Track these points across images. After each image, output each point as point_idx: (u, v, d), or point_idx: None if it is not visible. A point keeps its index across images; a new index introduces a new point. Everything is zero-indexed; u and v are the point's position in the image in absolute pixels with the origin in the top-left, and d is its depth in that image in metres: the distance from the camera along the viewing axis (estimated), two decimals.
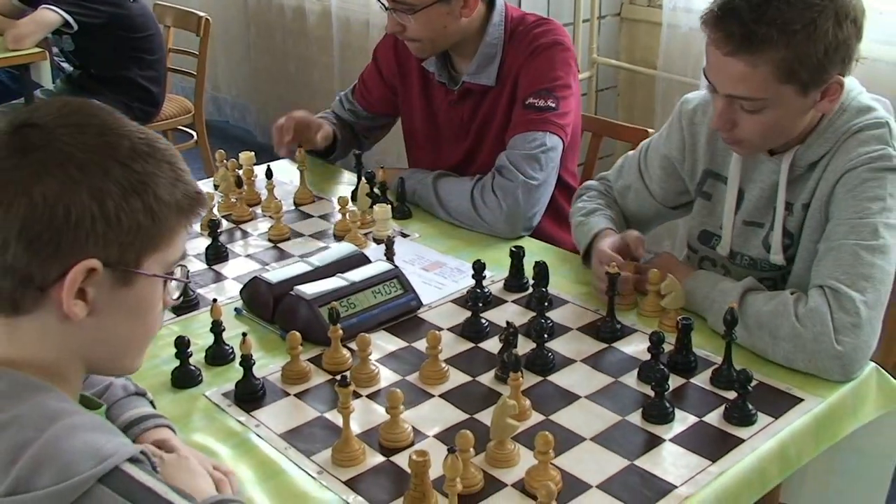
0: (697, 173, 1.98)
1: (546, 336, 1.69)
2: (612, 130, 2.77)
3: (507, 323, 1.62)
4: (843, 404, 1.59)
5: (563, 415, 1.54)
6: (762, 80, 1.64)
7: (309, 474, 1.42)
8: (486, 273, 1.89)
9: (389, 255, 2.01)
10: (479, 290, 1.86)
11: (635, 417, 1.53)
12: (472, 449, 1.33)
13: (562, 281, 1.95)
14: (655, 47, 3.82)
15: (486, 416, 1.49)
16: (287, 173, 2.61)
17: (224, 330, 1.72)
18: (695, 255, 2.01)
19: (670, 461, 1.43)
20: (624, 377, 1.64)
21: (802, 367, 1.61)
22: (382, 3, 2.34)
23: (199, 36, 4.38)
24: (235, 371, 1.65)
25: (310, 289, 1.80)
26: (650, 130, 2.42)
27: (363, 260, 1.95)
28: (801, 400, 1.56)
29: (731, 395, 1.54)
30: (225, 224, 2.29)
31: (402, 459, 1.43)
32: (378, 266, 1.91)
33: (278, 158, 2.64)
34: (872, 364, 1.66)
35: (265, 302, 1.84)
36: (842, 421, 1.59)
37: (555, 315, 1.83)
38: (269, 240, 2.22)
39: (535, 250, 2.09)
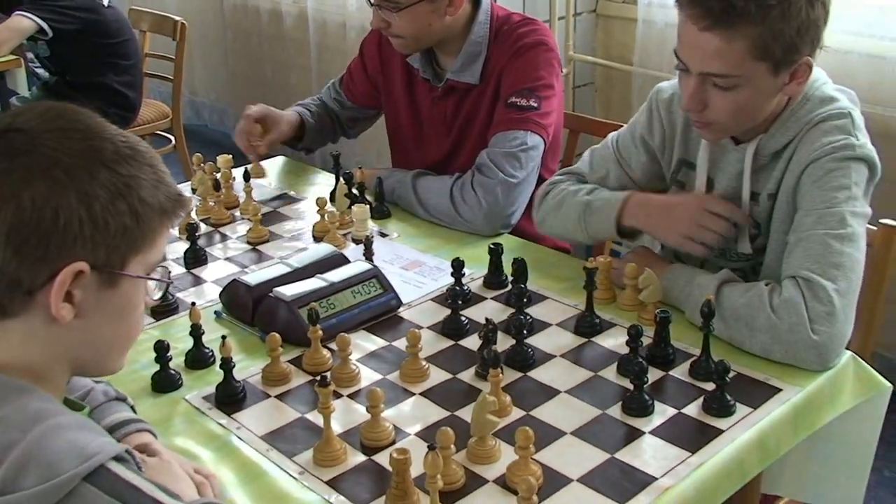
0: (673, 161, 1.99)
1: (525, 332, 1.70)
2: (590, 127, 2.78)
3: (487, 320, 1.63)
4: (820, 393, 1.60)
5: (543, 410, 1.55)
6: (738, 55, 1.66)
7: (291, 475, 1.43)
8: (466, 271, 1.90)
9: (368, 255, 2.01)
10: (458, 288, 1.87)
11: (615, 411, 1.54)
12: (452, 446, 1.33)
13: (541, 277, 1.96)
14: (631, 43, 3.83)
15: (466, 413, 1.50)
16: (264, 175, 2.62)
17: (203, 333, 1.72)
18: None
19: (650, 453, 1.43)
20: (603, 371, 1.65)
21: (780, 358, 1.62)
22: (368, 0, 2.33)
23: (175, 40, 4.37)
24: (216, 374, 1.65)
25: (289, 290, 1.80)
26: None
27: (342, 260, 1.95)
28: (779, 390, 1.57)
29: (710, 386, 1.55)
30: (203, 227, 2.29)
31: (383, 458, 1.43)
32: (357, 266, 1.91)
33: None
34: (849, 353, 1.67)
35: (244, 304, 1.84)
36: (820, 410, 1.60)
37: (534, 311, 1.84)
38: (248, 242, 2.22)
39: (513, 247, 2.10)
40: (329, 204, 2.29)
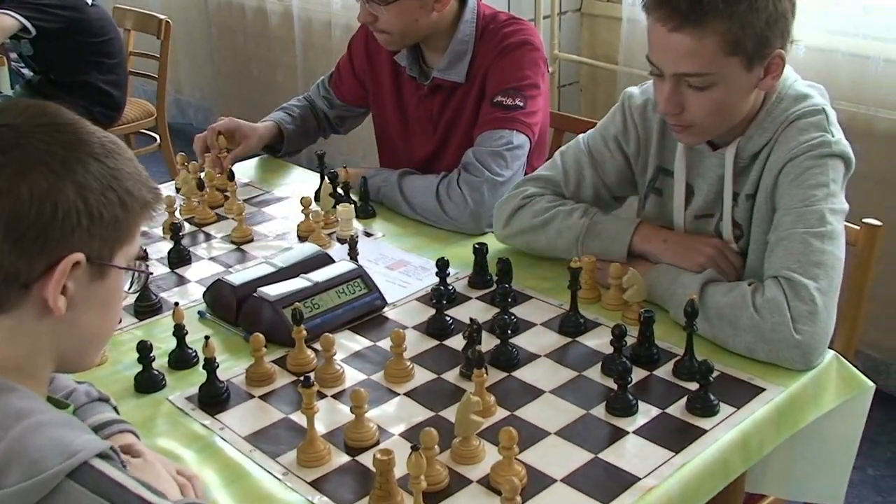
0: (649, 170, 1.99)
1: (510, 332, 1.70)
2: (575, 126, 2.77)
3: (471, 320, 1.63)
4: (804, 393, 1.61)
5: (527, 410, 1.55)
6: (709, 52, 1.66)
7: (274, 476, 1.42)
8: (451, 270, 1.90)
9: (353, 254, 2.01)
10: (443, 288, 1.87)
11: (599, 411, 1.54)
12: (436, 446, 1.34)
13: (525, 277, 1.96)
14: (616, 42, 3.83)
15: (451, 413, 1.49)
16: (249, 174, 2.61)
17: (187, 333, 1.71)
18: None
19: (634, 453, 1.44)
20: (588, 371, 1.65)
21: (763, 358, 1.63)
22: None
23: (159, 39, 4.36)
24: (199, 374, 1.64)
25: (273, 290, 1.80)
26: None
27: (327, 260, 1.94)
28: (763, 389, 1.58)
29: (694, 386, 1.55)
30: (187, 227, 2.28)
31: (367, 459, 1.42)
32: (342, 266, 1.91)
33: (241, 160, 2.63)
34: (833, 352, 1.67)
35: (228, 304, 1.84)
36: (803, 409, 1.61)
37: (519, 311, 1.84)
38: (233, 242, 2.21)
39: (498, 247, 2.10)
40: (314, 203, 2.28)
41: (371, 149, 2.72)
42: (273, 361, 1.69)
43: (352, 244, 2.02)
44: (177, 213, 2.30)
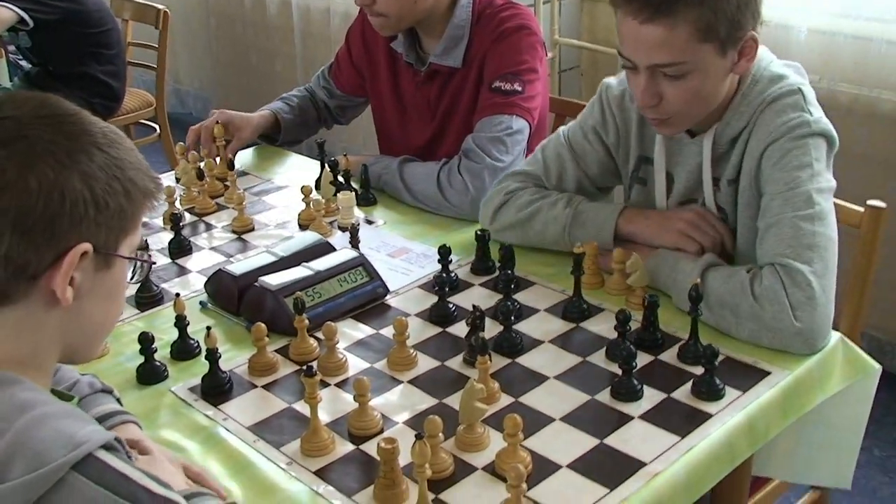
0: (632, 160, 1.98)
1: (513, 318, 1.69)
2: (576, 111, 2.74)
3: (474, 306, 1.62)
4: (809, 376, 1.60)
5: (531, 396, 1.54)
6: (682, 41, 1.65)
7: (278, 466, 1.42)
8: (453, 257, 1.89)
9: (354, 242, 2.00)
10: (445, 275, 1.86)
11: (604, 396, 1.53)
12: (440, 434, 1.33)
13: (528, 263, 1.94)
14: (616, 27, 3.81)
15: (455, 401, 1.49)
16: (249, 163, 2.60)
17: (188, 324, 1.70)
18: None
19: (639, 438, 1.43)
20: (592, 356, 1.64)
21: (768, 344, 1.62)
22: None
23: (158, 29, 4.34)
24: (201, 365, 1.64)
25: (274, 279, 1.79)
26: None
27: (328, 248, 1.93)
28: (768, 373, 1.57)
29: (699, 370, 1.54)
30: (188, 217, 2.27)
31: (371, 447, 1.42)
32: (343, 254, 1.90)
33: (242, 148, 2.62)
34: (838, 335, 1.67)
35: (230, 294, 1.83)
36: (809, 393, 1.60)
37: (522, 297, 1.83)
38: (233, 231, 2.20)
39: None
40: (314, 192, 2.27)
41: (371, 137, 2.71)
42: (275, 351, 1.68)
43: (353, 232, 2.01)
44: (177, 204, 2.29)
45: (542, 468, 1.37)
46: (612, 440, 1.43)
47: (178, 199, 2.33)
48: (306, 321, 1.67)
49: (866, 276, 1.97)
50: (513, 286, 1.77)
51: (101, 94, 4.19)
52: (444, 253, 1.85)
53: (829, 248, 1.66)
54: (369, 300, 1.85)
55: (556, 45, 3.94)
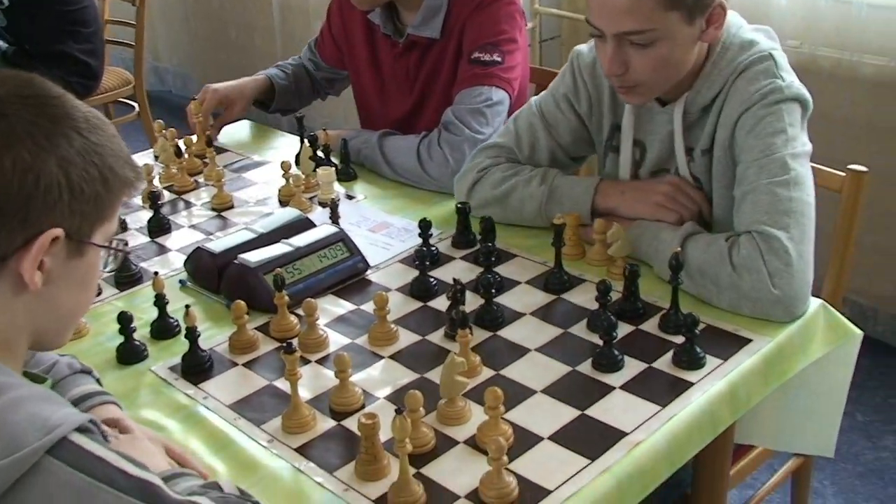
0: (605, 128, 1.97)
1: (494, 291, 1.69)
2: None
3: (454, 280, 1.61)
4: (791, 343, 1.60)
5: (513, 369, 1.54)
6: (649, 8, 1.64)
7: (259, 443, 1.41)
8: (433, 231, 1.88)
9: (334, 218, 1.99)
10: (425, 249, 1.85)
11: (585, 367, 1.53)
12: (421, 409, 1.32)
13: (509, 235, 1.94)
14: None
15: (436, 375, 1.48)
16: (228, 140, 2.58)
17: (168, 303, 1.69)
18: None
19: (621, 408, 1.43)
20: (573, 328, 1.64)
21: (748, 313, 1.62)
22: None
23: (135, 6, 4.29)
24: (181, 344, 1.63)
25: (254, 256, 1.78)
26: None
27: (307, 224, 1.92)
28: (750, 341, 1.57)
29: (680, 339, 1.54)
30: (167, 195, 2.25)
31: (352, 423, 1.42)
32: (323, 230, 1.89)
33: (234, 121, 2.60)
34: (819, 301, 1.67)
35: (209, 272, 1.82)
36: (790, 359, 1.60)
37: (503, 269, 1.82)
38: (213, 209, 2.18)
39: None
40: (294, 167, 2.26)
41: (352, 111, 2.69)
42: (256, 328, 1.67)
43: (333, 207, 2.00)
44: (155, 182, 2.27)
45: (524, 440, 1.37)
46: (594, 411, 1.42)
47: (157, 176, 2.31)
48: (286, 298, 1.66)
49: (848, 241, 1.97)
50: (493, 259, 1.77)
51: (79, 72, 4.14)
52: (425, 227, 1.84)
53: (806, 212, 1.66)
54: (350, 276, 1.84)
55: (537, 15, 3.92)
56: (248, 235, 1.88)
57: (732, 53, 1.76)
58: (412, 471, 1.29)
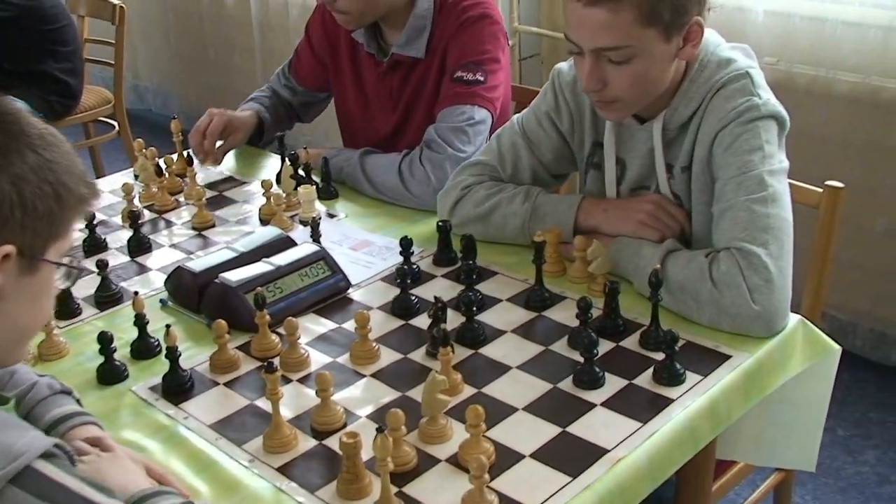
0: (586, 145, 1.98)
1: (475, 309, 1.69)
2: None
3: (435, 298, 1.61)
4: (770, 358, 1.61)
5: (494, 386, 1.54)
6: (626, 25, 1.65)
7: (241, 463, 1.41)
8: (415, 249, 1.88)
9: (316, 236, 1.99)
10: (406, 267, 1.85)
11: (566, 384, 1.53)
12: (403, 427, 1.32)
13: (490, 252, 1.94)
14: None
15: (418, 393, 1.48)
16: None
17: (148, 322, 1.69)
18: None
19: (602, 425, 1.43)
20: (554, 345, 1.64)
21: (728, 329, 1.63)
22: None
23: (114, 25, 4.29)
24: (162, 364, 1.62)
25: (235, 275, 1.78)
26: None
27: (288, 243, 1.92)
28: (729, 356, 1.58)
29: (660, 356, 1.54)
30: (147, 214, 2.25)
31: (334, 442, 1.41)
32: (304, 248, 1.89)
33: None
34: (798, 317, 1.68)
35: (190, 291, 1.81)
36: (770, 375, 1.61)
37: (484, 287, 1.83)
38: (193, 228, 2.18)
39: None
40: (275, 186, 2.26)
41: (333, 130, 2.69)
42: (237, 348, 1.67)
43: (314, 226, 2.00)
44: (135, 201, 2.26)
45: (505, 458, 1.37)
46: (575, 428, 1.43)
47: (137, 196, 2.31)
48: (267, 317, 1.66)
49: (825, 257, 1.99)
50: (474, 276, 1.77)
51: (58, 91, 4.14)
52: (406, 245, 1.84)
53: (784, 228, 1.67)
54: (331, 294, 1.84)
55: (516, 33, 3.94)
56: (229, 254, 1.88)
57: (710, 71, 1.77)
58: (394, 489, 1.30)
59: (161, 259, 2.05)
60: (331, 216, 2.22)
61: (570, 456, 1.37)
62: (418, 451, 1.38)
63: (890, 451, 2.84)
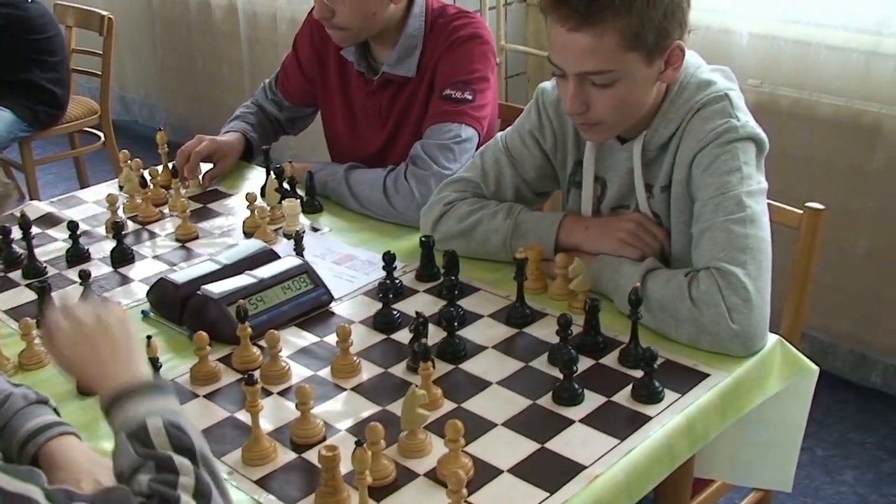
0: (569, 164, 2.00)
1: (456, 324, 1.70)
2: None
3: (417, 313, 1.62)
4: (748, 378, 1.62)
5: (474, 402, 1.55)
6: (609, 50, 1.67)
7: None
8: (397, 264, 1.89)
9: (299, 250, 1.99)
10: (389, 282, 1.86)
11: (546, 400, 1.54)
12: (382, 441, 1.33)
13: (472, 268, 1.95)
14: None
15: (398, 408, 1.48)
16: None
17: None
18: None
19: (580, 441, 1.44)
20: (534, 361, 1.65)
21: (707, 347, 1.64)
22: None
23: (102, 35, 4.29)
24: None
25: (217, 287, 1.78)
26: None
27: (272, 256, 1.93)
28: (707, 375, 1.59)
29: (639, 373, 1.56)
30: (131, 225, 2.25)
31: (313, 455, 1.42)
32: (287, 262, 1.89)
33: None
34: (776, 337, 1.69)
35: (172, 303, 1.81)
36: (748, 394, 1.62)
37: (466, 303, 1.84)
38: (177, 239, 2.18)
39: None
40: (259, 199, 2.26)
41: (319, 145, 2.70)
42: (218, 360, 1.67)
43: (298, 240, 2.01)
44: (119, 212, 2.26)
45: (484, 473, 1.37)
46: (553, 444, 1.44)
47: (121, 206, 2.31)
48: (249, 329, 1.66)
49: (806, 278, 2.01)
50: (456, 292, 1.78)
51: (44, 101, 4.14)
52: (389, 260, 1.85)
53: (763, 249, 1.68)
54: (313, 308, 1.84)
55: (503, 51, 3.96)
56: (212, 266, 1.88)
57: (689, 93, 1.79)
58: (372, 503, 1.30)
59: (144, 270, 2.05)
60: (315, 230, 2.22)
61: (549, 472, 1.38)
62: (397, 465, 1.39)
63: (869, 472, 2.86)
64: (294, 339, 1.76)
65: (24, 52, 4.06)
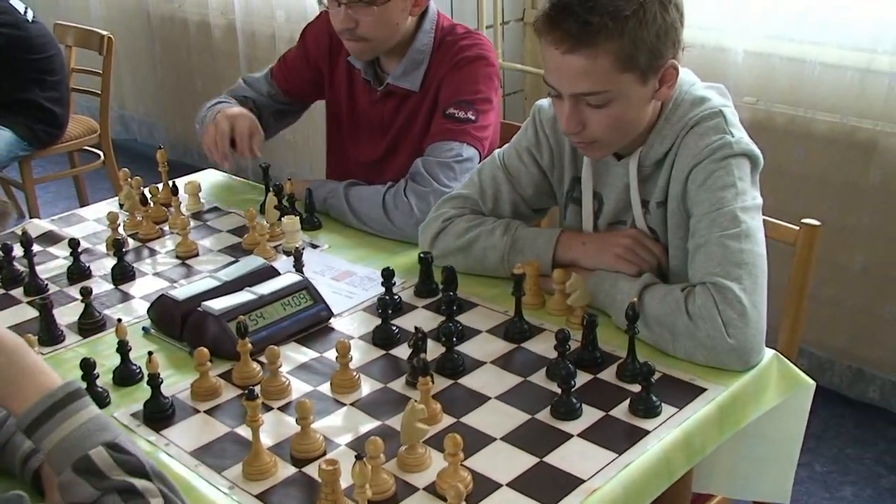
0: (566, 180, 2.02)
1: (455, 339, 1.71)
2: None
3: (416, 328, 1.63)
4: (745, 392, 1.63)
5: (473, 416, 1.56)
6: (603, 71, 1.69)
7: (220, 490, 1.41)
8: (396, 280, 1.90)
9: (298, 266, 2.01)
10: (388, 298, 1.87)
11: (544, 415, 1.55)
12: (382, 455, 1.34)
13: (471, 284, 1.97)
14: None
15: (397, 422, 1.49)
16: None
17: (130, 349, 1.70)
18: None
19: (578, 455, 1.45)
20: (532, 376, 1.66)
21: (703, 362, 1.65)
22: (336, 0, 2.28)
23: (101, 55, 4.31)
24: (144, 390, 1.63)
25: (217, 304, 1.79)
26: None
27: (272, 273, 1.94)
28: (704, 389, 1.60)
29: (637, 388, 1.56)
30: (132, 243, 2.26)
31: (313, 470, 1.42)
32: (287, 278, 1.91)
33: (185, 174, 2.61)
34: (772, 352, 1.70)
35: (173, 319, 1.83)
36: (744, 408, 1.63)
37: (464, 318, 1.85)
38: (177, 256, 2.20)
39: None
40: (259, 216, 2.28)
41: (318, 161, 2.72)
42: (218, 375, 1.68)
43: (297, 256, 2.02)
44: (120, 229, 2.28)
45: (483, 487, 1.38)
46: (552, 458, 1.44)
47: (122, 224, 2.32)
48: (249, 345, 1.67)
49: (802, 294, 2.02)
50: (455, 308, 1.79)
51: (44, 120, 4.16)
52: (388, 276, 1.86)
53: (758, 264, 1.70)
54: (313, 323, 1.85)
55: (500, 70, 3.98)
56: (212, 283, 1.89)
57: (684, 110, 1.81)
58: None
59: (145, 287, 2.06)
60: (314, 246, 2.24)
61: (547, 485, 1.39)
62: (396, 480, 1.40)
63: (867, 488, 2.86)
64: (294, 354, 1.77)
65: (24, 71, 4.08)
